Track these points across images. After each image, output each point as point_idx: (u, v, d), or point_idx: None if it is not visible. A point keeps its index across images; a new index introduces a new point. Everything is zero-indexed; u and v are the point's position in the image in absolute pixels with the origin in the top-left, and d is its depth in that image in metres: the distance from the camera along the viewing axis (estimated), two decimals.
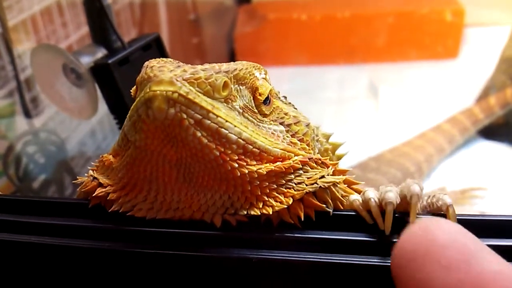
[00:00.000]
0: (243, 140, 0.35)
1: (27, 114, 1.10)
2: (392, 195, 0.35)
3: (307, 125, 0.44)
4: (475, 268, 0.23)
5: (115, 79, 0.76)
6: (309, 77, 2.02)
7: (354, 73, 2.01)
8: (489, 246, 0.33)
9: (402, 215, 0.36)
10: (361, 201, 0.37)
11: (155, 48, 0.83)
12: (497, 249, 0.33)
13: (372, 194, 0.36)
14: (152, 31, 0.86)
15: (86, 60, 0.80)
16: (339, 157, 0.51)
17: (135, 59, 0.79)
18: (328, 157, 0.48)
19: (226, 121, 0.34)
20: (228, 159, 0.34)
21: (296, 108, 0.47)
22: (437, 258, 0.24)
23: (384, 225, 0.35)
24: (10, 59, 1.05)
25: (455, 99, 1.67)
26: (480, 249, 0.24)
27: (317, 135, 0.47)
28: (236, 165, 0.35)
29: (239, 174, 0.35)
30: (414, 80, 1.93)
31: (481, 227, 0.35)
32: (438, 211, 0.36)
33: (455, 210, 0.35)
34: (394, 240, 0.35)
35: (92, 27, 0.83)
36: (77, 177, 0.42)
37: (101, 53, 0.81)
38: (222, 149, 0.34)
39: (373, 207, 0.35)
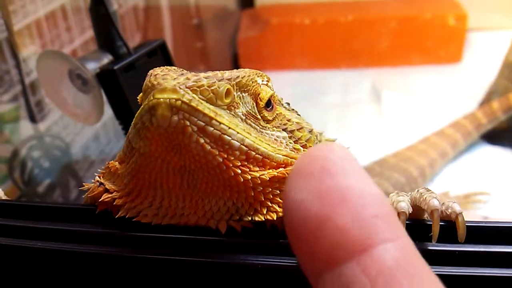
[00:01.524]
0: (245, 146, 0.36)
1: (32, 119, 1.11)
2: (405, 205, 0.36)
3: (310, 131, 0.45)
4: (329, 178, 0.22)
5: (120, 85, 0.77)
6: (312, 82, 2.02)
7: (357, 77, 2.01)
8: (495, 252, 0.34)
9: (412, 221, 0.36)
10: None
11: (160, 54, 0.83)
12: (502, 255, 0.34)
13: None
14: (155, 36, 0.87)
15: (92, 66, 0.81)
16: None
17: (141, 65, 0.80)
18: None
19: (229, 127, 0.35)
20: (231, 165, 0.35)
21: (299, 114, 0.47)
22: (299, 169, 0.23)
23: None
24: (15, 63, 1.06)
25: (458, 104, 1.67)
26: (345, 168, 0.23)
27: (320, 141, 0.47)
28: (239, 171, 0.35)
29: (242, 180, 0.35)
30: (417, 84, 1.93)
31: (486, 233, 0.35)
32: (448, 219, 0.36)
33: (464, 218, 0.35)
34: None
35: (98, 33, 0.84)
36: (83, 183, 0.43)
37: (106, 59, 0.81)
38: (225, 155, 0.35)
39: None
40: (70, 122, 1.22)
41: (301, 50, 2.13)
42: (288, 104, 0.47)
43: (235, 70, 0.39)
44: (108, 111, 0.84)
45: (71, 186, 1.18)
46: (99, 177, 0.42)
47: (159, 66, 0.39)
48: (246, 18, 2.24)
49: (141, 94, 0.39)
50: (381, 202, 0.22)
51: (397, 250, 0.21)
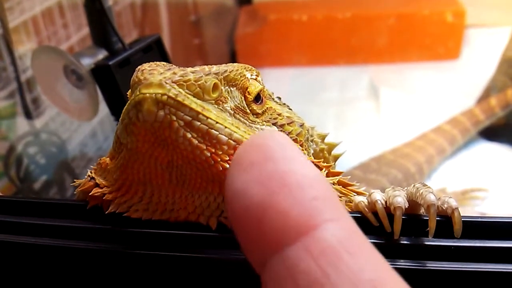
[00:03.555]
0: (234, 141, 0.35)
1: (28, 115, 1.11)
2: (401, 199, 0.35)
3: (301, 126, 0.44)
4: (270, 165, 0.22)
5: (115, 80, 0.76)
6: (310, 78, 2.02)
7: (355, 74, 2.01)
8: (491, 247, 0.34)
9: (408, 216, 0.36)
10: (366, 202, 0.37)
11: (156, 50, 0.83)
12: (498, 250, 0.34)
13: (379, 196, 0.36)
14: (153, 32, 0.86)
15: (87, 62, 0.80)
16: (336, 157, 0.51)
17: (136, 61, 0.79)
18: (323, 158, 0.48)
19: (217, 122, 0.35)
20: (219, 159, 0.34)
21: (290, 109, 0.47)
22: (239, 159, 0.23)
23: (390, 228, 0.35)
24: (11, 60, 1.05)
25: (456, 100, 1.67)
26: (286, 153, 0.23)
27: (311, 136, 0.47)
28: (228, 166, 0.35)
29: None
30: (415, 81, 1.93)
31: (482, 228, 0.35)
32: (444, 214, 0.36)
33: (460, 213, 0.35)
34: (402, 242, 0.35)
35: (93, 28, 0.84)
36: (75, 180, 0.43)
37: (102, 54, 0.81)
38: (213, 150, 0.34)
39: (379, 210, 0.35)
40: (67, 119, 1.22)
41: (299, 47, 2.13)
42: (279, 98, 0.47)
43: (223, 65, 0.39)
44: (105, 108, 0.84)
45: (67, 183, 1.18)
46: (91, 172, 0.41)
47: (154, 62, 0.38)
48: (244, 14, 2.23)
49: (130, 90, 0.39)
50: (320, 184, 0.22)
51: (339, 229, 0.21)
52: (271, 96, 0.45)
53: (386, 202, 0.36)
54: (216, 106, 0.36)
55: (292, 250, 0.20)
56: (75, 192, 0.42)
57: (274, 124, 0.41)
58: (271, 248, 0.21)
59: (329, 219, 0.21)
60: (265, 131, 0.26)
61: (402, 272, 0.29)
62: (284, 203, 0.21)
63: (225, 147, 0.35)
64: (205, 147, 0.34)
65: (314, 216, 0.21)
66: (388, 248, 0.34)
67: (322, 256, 0.20)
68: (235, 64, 0.40)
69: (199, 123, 0.34)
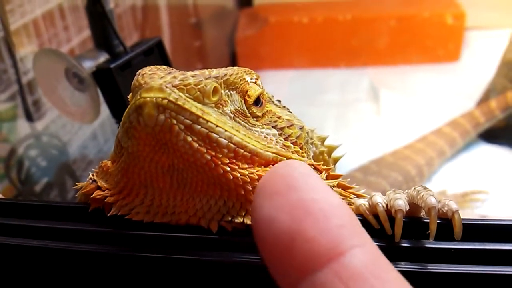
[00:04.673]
0: (234, 144, 0.35)
1: (29, 118, 1.11)
2: (402, 202, 0.35)
3: (301, 128, 0.44)
4: (295, 194, 0.23)
5: (117, 83, 0.76)
6: (310, 80, 2.03)
7: (356, 76, 2.01)
8: (491, 250, 0.34)
9: (409, 219, 0.36)
10: (367, 205, 0.37)
11: (157, 53, 0.83)
12: (498, 253, 0.34)
13: (380, 199, 0.36)
14: (153, 35, 0.86)
15: (88, 65, 0.80)
16: (336, 160, 0.51)
17: (137, 64, 0.79)
18: (323, 160, 0.48)
19: (217, 125, 0.35)
20: (219, 162, 0.35)
21: (290, 112, 0.47)
22: (264, 188, 0.25)
23: (391, 230, 0.35)
24: (12, 62, 1.05)
25: (456, 102, 1.67)
26: (309, 183, 0.24)
27: (311, 138, 0.47)
28: (228, 169, 0.35)
29: (231, 177, 0.35)
30: (415, 83, 1.93)
31: (482, 231, 0.35)
32: (444, 217, 0.36)
33: (460, 216, 0.35)
34: (403, 244, 0.35)
35: (94, 31, 0.84)
36: (76, 183, 0.43)
37: (103, 57, 0.81)
38: (213, 153, 0.34)
39: (381, 212, 0.36)
40: (67, 121, 1.22)
41: (299, 49, 2.13)
42: (279, 101, 0.47)
43: (223, 68, 0.39)
44: (105, 110, 0.84)
45: (68, 186, 1.18)
46: (93, 175, 0.42)
47: (155, 65, 0.39)
48: (244, 16, 2.24)
49: (130, 94, 0.39)
50: (343, 211, 0.24)
51: (365, 254, 0.22)
52: (271, 99, 0.45)
53: (387, 205, 0.36)
54: (216, 109, 0.36)
55: (322, 275, 0.22)
56: (76, 195, 0.42)
57: (274, 127, 0.41)
58: (301, 273, 0.22)
59: (355, 245, 0.22)
60: (288, 161, 0.28)
61: (403, 274, 0.29)
62: (311, 232, 0.22)
63: (225, 150, 0.35)
64: (205, 151, 0.34)
65: (340, 243, 0.22)
66: (389, 251, 0.34)
67: (351, 281, 0.21)
68: (235, 67, 0.40)
69: (199, 126, 0.34)
